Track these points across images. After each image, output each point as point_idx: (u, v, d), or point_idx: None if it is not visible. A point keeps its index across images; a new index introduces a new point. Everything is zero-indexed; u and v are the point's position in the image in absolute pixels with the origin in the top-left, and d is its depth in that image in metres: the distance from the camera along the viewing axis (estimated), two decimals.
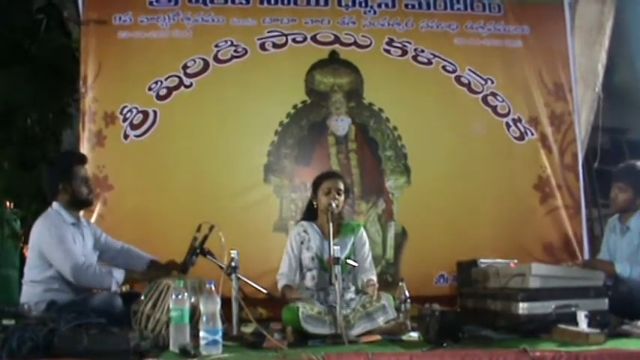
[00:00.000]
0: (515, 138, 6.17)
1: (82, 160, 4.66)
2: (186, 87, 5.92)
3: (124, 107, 5.83)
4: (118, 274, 4.28)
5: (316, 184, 4.87)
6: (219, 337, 3.60)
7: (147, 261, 4.65)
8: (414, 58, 6.16)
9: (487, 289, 4.58)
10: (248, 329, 4.29)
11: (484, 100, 6.18)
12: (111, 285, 4.24)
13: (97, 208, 5.55)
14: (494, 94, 6.20)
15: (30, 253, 4.40)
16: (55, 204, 4.45)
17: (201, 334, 3.59)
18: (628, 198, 4.98)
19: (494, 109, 6.18)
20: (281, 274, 4.77)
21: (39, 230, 4.32)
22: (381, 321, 4.28)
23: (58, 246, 4.23)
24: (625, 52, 6.88)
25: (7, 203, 7.65)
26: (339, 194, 4.73)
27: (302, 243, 4.81)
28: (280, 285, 4.72)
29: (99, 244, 4.67)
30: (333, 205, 4.61)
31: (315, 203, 4.85)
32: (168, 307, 3.81)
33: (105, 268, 4.32)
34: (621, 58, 6.87)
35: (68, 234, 4.33)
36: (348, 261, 4.57)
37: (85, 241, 4.51)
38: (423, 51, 6.16)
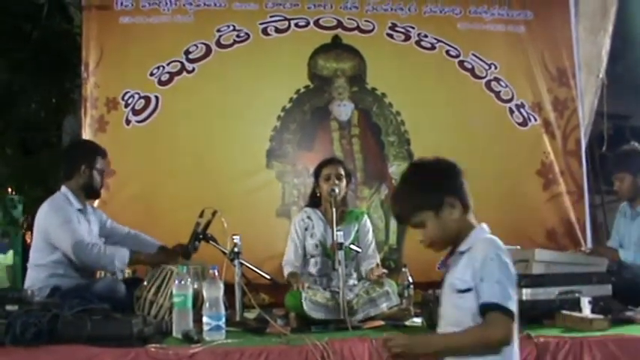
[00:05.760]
0: (518, 124, 6.14)
1: (104, 154, 4.68)
2: (188, 72, 5.88)
3: (126, 93, 5.79)
4: (123, 255, 4.28)
5: (317, 172, 4.89)
6: (222, 322, 3.61)
7: (155, 247, 4.64)
8: (417, 42, 6.12)
9: None
10: (251, 315, 4.30)
11: (487, 85, 6.15)
12: (114, 266, 4.24)
13: None
14: (497, 80, 6.16)
15: (35, 236, 4.40)
16: (63, 188, 4.47)
17: (205, 319, 3.60)
18: (630, 184, 4.97)
19: (497, 94, 6.15)
20: (286, 262, 4.78)
21: (45, 212, 4.32)
22: (384, 307, 4.30)
23: (63, 226, 4.23)
24: (629, 38, 6.85)
25: (9, 189, 7.66)
26: (339, 180, 4.74)
27: (306, 230, 4.83)
28: (286, 273, 4.72)
29: (104, 230, 4.67)
30: (336, 190, 4.62)
31: (318, 191, 4.86)
32: (171, 293, 3.83)
33: (110, 248, 4.32)
34: (625, 45, 6.84)
35: (74, 216, 4.33)
36: (352, 246, 4.58)
37: (91, 228, 4.52)
38: (426, 36, 6.12)
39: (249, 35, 5.97)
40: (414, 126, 6.05)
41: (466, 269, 2.40)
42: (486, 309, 2.29)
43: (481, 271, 2.34)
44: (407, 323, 4.21)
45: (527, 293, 4.01)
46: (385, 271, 4.62)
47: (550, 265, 4.14)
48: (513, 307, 2.30)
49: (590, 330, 3.68)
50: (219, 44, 5.94)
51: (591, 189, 6.37)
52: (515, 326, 2.34)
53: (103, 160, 4.64)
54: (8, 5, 6.90)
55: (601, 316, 3.84)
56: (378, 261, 4.83)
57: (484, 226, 2.57)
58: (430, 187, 2.53)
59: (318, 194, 4.86)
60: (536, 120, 6.16)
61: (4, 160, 7.42)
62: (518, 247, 4.83)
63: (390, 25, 6.11)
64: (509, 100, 6.16)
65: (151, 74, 5.83)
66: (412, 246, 5.85)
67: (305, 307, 4.17)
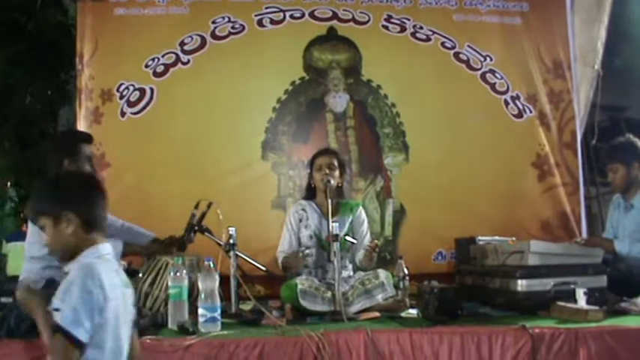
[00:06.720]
0: (513, 115, 6.13)
1: (88, 139, 4.57)
2: (184, 64, 5.86)
3: (121, 84, 5.77)
4: (116, 246, 4.28)
5: (311, 163, 4.90)
6: (217, 314, 3.62)
7: (149, 239, 4.63)
8: (413, 34, 6.10)
9: (485, 267, 4.59)
10: (246, 306, 4.29)
11: (483, 77, 6.13)
12: None
13: None
14: (492, 71, 6.15)
15: (29, 228, 4.38)
16: None
17: (200, 311, 3.60)
18: (624, 175, 4.97)
19: (492, 86, 6.14)
20: (281, 252, 4.78)
21: None
22: (379, 298, 4.29)
23: None
24: (625, 30, 6.85)
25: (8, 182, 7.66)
26: (331, 169, 4.74)
27: (300, 221, 4.83)
28: (280, 261, 4.73)
29: None
30: (331, 181, 4.62)
31: (312, 182, 4.86)
32: (167, 285, 3.83)
33: None
34: (621, 37, 6.83)
35: None
36: (347, 238, 4.57)
37: None
38: (421, 27, 6.11)
39: (244, 27, 5.95)
40: (410, 118, 6.03)
41: (60, 290, 2.44)
42: (54, 330, 2.36)
43: (64, 294, 2.40)
44: (402, 314, 4.21)
45: (522, 284, 4.03)
46: (377, 242, 4.63)
47: (545, 257, 4.15)
48: (83, 336, 2.35)
49: (585, 321, 3.69)
50: (214, 36, 5.92)
51: (586, 181, 6.37)
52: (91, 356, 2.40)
53: (89, 145, 4.48)
54: None
55: (596, 308, 3.85)
56: None
57: (102, 247, 2.65)
58: (53, 197, 2.67)
59: (312, 185, 4.86)
60: (531, 112, 6.15)
61: (1, 153, 7.41)
62: (514, 238, 4.87)
63: (385, 16, 6.09)
64: (505, 92, 6.15)
65: (146, 66, 5.81)
66: (408, 238, 5.87)
67: (300, 298, 4.17)
